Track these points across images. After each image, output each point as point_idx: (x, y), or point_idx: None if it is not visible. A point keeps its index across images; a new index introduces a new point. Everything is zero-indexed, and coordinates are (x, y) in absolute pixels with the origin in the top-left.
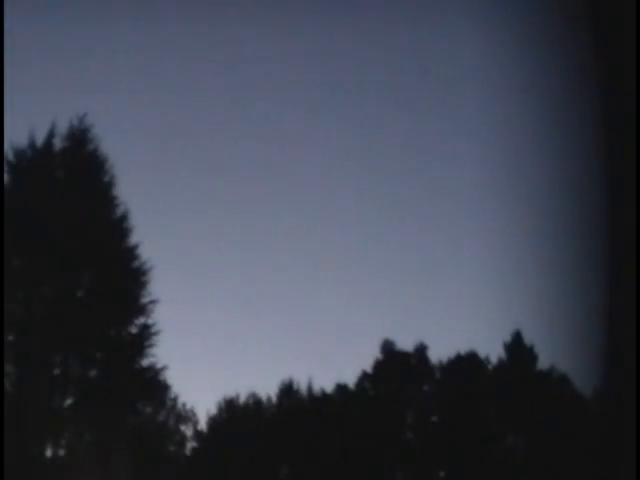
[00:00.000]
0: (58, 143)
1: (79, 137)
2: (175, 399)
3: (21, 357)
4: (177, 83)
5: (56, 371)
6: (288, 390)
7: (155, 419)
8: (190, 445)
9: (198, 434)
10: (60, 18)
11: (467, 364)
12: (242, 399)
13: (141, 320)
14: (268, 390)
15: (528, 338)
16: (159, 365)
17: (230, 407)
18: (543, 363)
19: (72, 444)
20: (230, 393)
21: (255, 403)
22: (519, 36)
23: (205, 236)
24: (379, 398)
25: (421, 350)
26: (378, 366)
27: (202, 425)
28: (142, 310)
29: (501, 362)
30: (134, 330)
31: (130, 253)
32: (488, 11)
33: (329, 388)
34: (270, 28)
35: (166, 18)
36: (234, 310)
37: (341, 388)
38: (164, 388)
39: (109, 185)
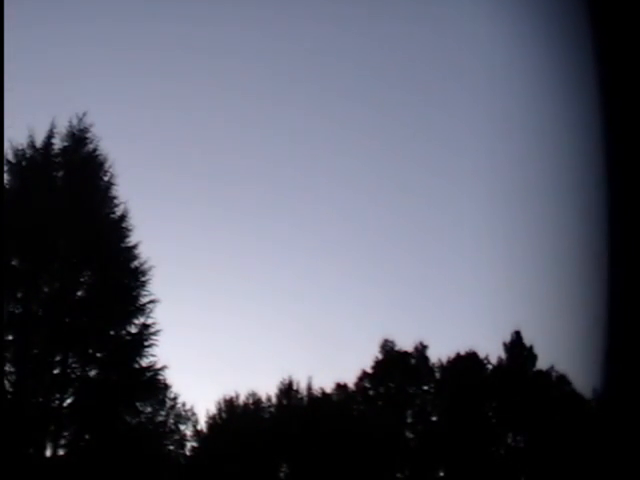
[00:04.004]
0: (58, 143)
1: (79, 137)
2: (175, 399)
3: (21, 357)
4: (177, 84)
5: (56, 371)
6: (288, 390)
7: (155, 419)
8: (190, 445)
9: (198, 434)
10: (60, 18)
11: (467, 364)
12: (242, 399)
13: (141, 319)
14: (268, 390)
15: (528, 338)
16: (159, 365)
17: (230, 407)
18: (543, 363)
19: (72, 444)
20: (230, 393)
21: (255, 403)
22: (522, 30)
23: (205, 236)
24: (379, 398)
25: (421, 350)
26: (378, 366)
27: (202, 425)
28: (142, 309)
29: (501, 362)
30: (134, 330)
31: (130, 252)
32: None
33: (329, 388)
34: (271, 23)
35: (166, 19)
36: (234, 310)
37: (341, 388)
38: (164, 388)
39: (109, 185)
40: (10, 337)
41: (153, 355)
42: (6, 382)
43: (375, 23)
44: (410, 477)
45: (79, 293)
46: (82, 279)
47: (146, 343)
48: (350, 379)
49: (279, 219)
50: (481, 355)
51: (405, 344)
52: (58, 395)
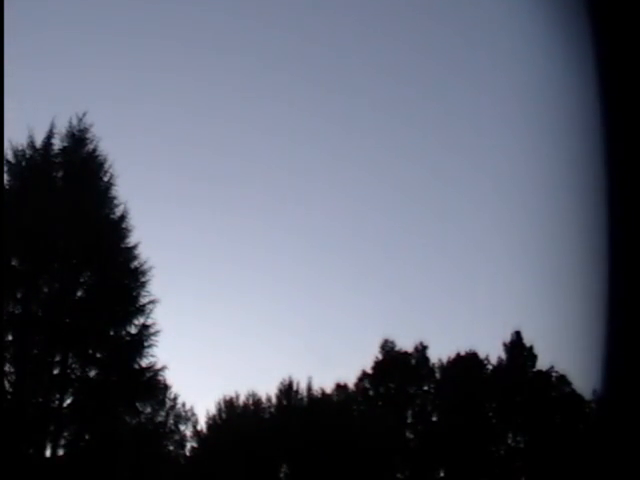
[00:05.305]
0: (57, 143)
1: (78, 137)
2: (175, 399)
3: (21, 357)
4: (177, 83)
5: (56, 371)
6: (288, 390)
7: (155, 419)
8: (190, 445)
9: (198, 434)
10: (60, 18)
11: (467, 364)
12: (242, 399)
13: (141, 320)
14: (268, 390)
15: (528, 338)
16: (159, 365)
17: (230, 407)
18: (543, 363)
19: (72, 444)
20: (230, 393)
21: (255, 403)
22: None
23: (206, 236)
24: (379, 398)
25: (421, 350)
26: (378, 366)
27: (202, 425)
28: (142, 310)
29: (501, 362)
30: (134, 330)
31: (129, 253)
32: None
33: (329, 388)
34: (274, 20)
35: (167, 18)
36: (234, 310)
37: (341, 388)
38: (164, 388)
39: (108, 185)
40: (10, 337)
41: (153, 355)
42: (6, 382)
43: (371, 19)
44: (410, 477)
45: (79, 294)
46: (82, 279)
47: (146, 344)
48: (350, 379)
49: (280, 219)
50: (481, 355)
51: (405, 344)
52: (58, 395)
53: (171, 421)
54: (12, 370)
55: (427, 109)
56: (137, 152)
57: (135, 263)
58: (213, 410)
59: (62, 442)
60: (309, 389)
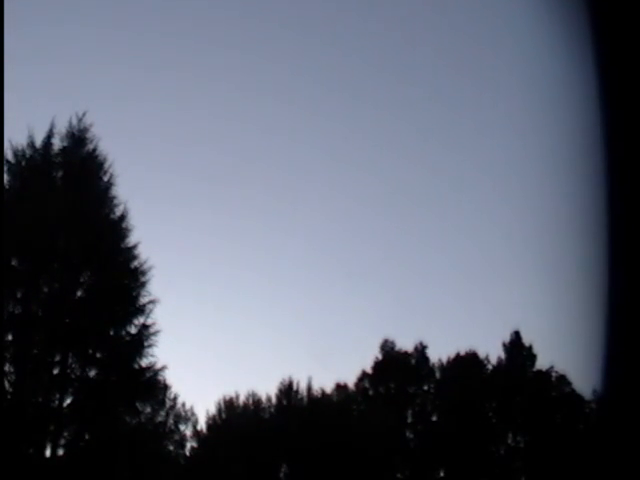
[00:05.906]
0: (57, 143)
1: (78, 137)
2: (175, 399)
3: (21, 357)
4: (178, 82)
5: (55, 371)
6: (288, 390)
7: (155, 419)
8: (190, 445)
9: (198, 434)
10: (60, 18)
11: (467, 364)
12: (242, 399)
13: (140, 320)
14: (268, 390)
15: (528, 338)
16: (159, 365)
17: (230, 407)
18: (543, 363)
19: (72, 444)
20: (230, 393)
21: (255, 403)
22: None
23: (206, 236)
24: (379, 398)
25: (421, 350)
26: (378, 366)
27: (202, 425)
28: (141, 310)
29: (501, 362)
30: (133, 330)
31: (129, 253)
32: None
33: (329, 388)
34: (274, 18)
35: (167, 18)
36: (235, 310)
37: (341, 388)
38: (164, 388)
39: (108, 185)
40: (10, 337)
41: (153, 355)
42: (6, 382)
43: (372, 16)
44: (410, 477)
45: (79, 293)
46: (82, 279)
47: (146, 343)
48: (350, 379)
49: (280, 219)
50: (481, 355)
51: (405, 344)
52: (58, 395)
53: (171, 421)
54: (12, 370)
55: (427, 107)
56: (137, 152)
57: (135, 263)
58: (213, 410)
59: (62, 442)
60: (309, 389)
